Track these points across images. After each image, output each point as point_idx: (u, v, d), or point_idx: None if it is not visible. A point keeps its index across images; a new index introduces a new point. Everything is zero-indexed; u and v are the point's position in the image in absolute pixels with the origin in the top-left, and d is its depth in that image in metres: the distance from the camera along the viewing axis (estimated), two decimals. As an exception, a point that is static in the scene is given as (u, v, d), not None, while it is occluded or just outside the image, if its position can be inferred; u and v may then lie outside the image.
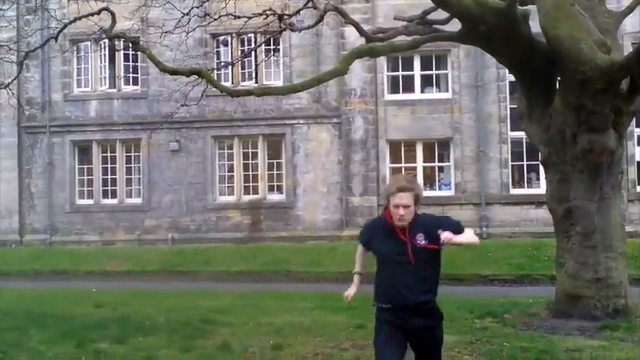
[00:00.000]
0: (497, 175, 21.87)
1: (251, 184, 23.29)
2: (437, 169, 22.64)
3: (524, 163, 21.96)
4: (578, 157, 9.75)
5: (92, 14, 11.90)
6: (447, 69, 22.40)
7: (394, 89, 22.65)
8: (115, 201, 23.94)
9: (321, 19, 11.92)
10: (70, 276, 18.82)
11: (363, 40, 12.37)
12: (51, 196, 23.97)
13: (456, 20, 10.68)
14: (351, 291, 5.13)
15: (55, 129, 23.98)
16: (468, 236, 4.67)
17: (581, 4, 10.02)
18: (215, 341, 9.01)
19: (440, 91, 22.60)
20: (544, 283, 15.19)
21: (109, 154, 24.14)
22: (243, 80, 22.73)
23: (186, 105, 12.92)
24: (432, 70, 22.52)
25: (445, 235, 4.49)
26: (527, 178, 22.20)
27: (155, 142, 23.01)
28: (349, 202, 22.36)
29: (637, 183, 21.43)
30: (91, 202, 24.02)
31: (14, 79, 13.51)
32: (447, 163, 22.35)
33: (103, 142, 24.10)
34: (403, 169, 22.50)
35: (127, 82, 23.93)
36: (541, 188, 18.98)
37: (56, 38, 12.37)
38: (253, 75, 22.54)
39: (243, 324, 10.29)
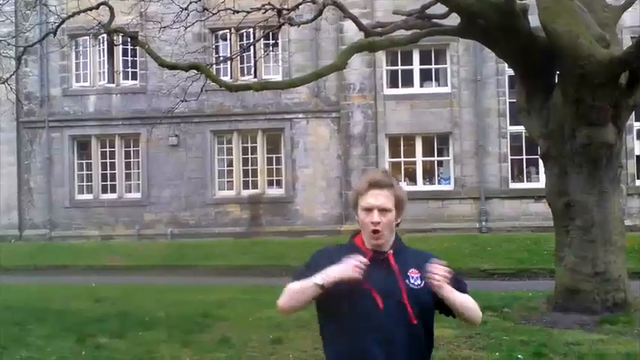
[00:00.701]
0: (496, 169, 21.87)
1: (250, 178, 23.29)
2: (436, 163, 22.64)
3: (524, 157, 21.96)
4: (578, 151, 9.75)
5: (91, 9, 11.88)
6: (446, 63, 22.37)
7: (393, 84, 22.63)
8: (114, 196, 23.93)
9: (319, 13, 11.90)
10: (70, 271, 18.81)
11: (362, 35, 12.35)
12: (50, 192, 23.95)
13: (455, 15, 10.67)
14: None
15: (53, 124, 23.94)
16: (468, 299, 3.06)
17: (581, -1, 10.02)
18: (214, 335, 9.03)
19: (439, 86, 22.57)
20: (543, 277, 15.20)
21: (108, 149, 24.12)
22: (242, 75, 22.70)
23: (186, 100, 12.91)
24: (431, 64, 22.50)
25: (438, 272, 2.88)
26: (527, 172, 22.21)
27: (154, 137, 22.98)
28: (348, 197, 22.34)
29: (636, 177, 21.43)
30: (90, 197, 24.01)
31: (13, 74, 13.51)
32: (447, 158, 22.35)
33: (102, 137, 24.08)
34: (402, 163, 22.50)
35: (125, 77, 23.89)
36: (540, 182, 18.98)
37: (55, 33, 12.36)
38: (252, 70, 22.49)
39: (243, 318, 10.31)
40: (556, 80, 10.30)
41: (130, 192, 24.03)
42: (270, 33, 16.74)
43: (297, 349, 8.08)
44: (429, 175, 22.49)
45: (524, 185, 21.91)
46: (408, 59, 22.35)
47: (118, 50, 23.10)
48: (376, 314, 2.88)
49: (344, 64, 11.27)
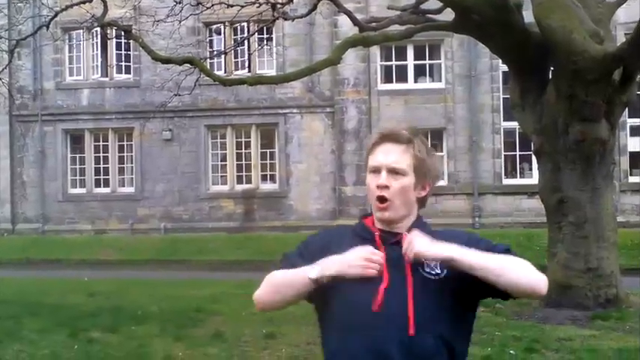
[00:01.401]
0: (489, 165, 21.90)
1: (244, 173, 23.26)
2: (430, 158, 22.64)
3: (517, 153, 22.00)
4: (571, 147, 9.77)
5: (84, 2, 11.85)
6: (440, 59, 22.38)
7: (387, 79, 22.62)
8: (107, 190, 23.87)
9: (314, 7, 11.90)
10: (63, 265, 18.78)
11: (356, 30, 12.34)
12: (43, 185, 23.87)
13: (450, 10, 10.67)
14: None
15: (46, 117, 23.85)
16: (498, 257, 2.14)
17: (575, -5, 10.02)
18: (207, 330, 9.03)
19: (433, 81, 22.58)
20: (536, 273, 15.23)
21: (101, 143, 24.04)
22: (236, 69, 22.66)
23: (179, 94, 12.89)
24: (425, 59, 22.49)
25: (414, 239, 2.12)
26: (520, 168, 22.25)
27: (148, 131, 22.93)
28: (342, 192, 22.36)
29: (629, 173, 21.49)
30: (83, 191, 23.95)
31: (5, 67, 13.48)
32: (440, 153, 22.36)
33: (95, 130, 24.00)
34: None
35: (119, 71, 23.81)
36: (534, 178, 19.01)
37: (48, 26, 12.33)
38: (246, 64, 22.48)
39: (236, 313, 10.30)
40: (550, 76, 10.32)
41: (124, 186, 23.97)
42: (265, 27, 16.70)
43: (291, 343, 8.09)
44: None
45: (518, 181, 21.95)
46: (402, 54, 22.34)
47: (112, 44, 22.99)
48: (369, 317, 2.11)
49: (338, 58, 11.27)
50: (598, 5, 10.75)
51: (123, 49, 23.52)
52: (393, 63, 22.49)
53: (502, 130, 21.94)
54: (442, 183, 22.08)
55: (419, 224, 2.26)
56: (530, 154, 15.79)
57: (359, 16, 13.17)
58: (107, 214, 23.52)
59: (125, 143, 23.93)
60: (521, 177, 22.17)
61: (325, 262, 2.16)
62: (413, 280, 2.14)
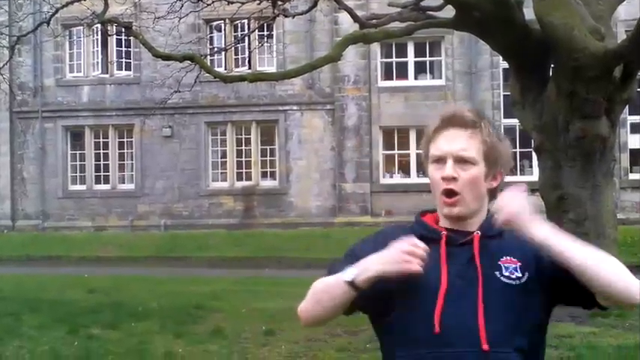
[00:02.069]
0: (490, 162, 21.86)
1: (244, 170, 23.26)
2: (430, 156, 22.63)
3: (517, 150, 21.94)
4: (571, 144, 9.76)
5: (84, -2, 11.83)
6: (440, 56, 22.37)
7: (388, 76, 22.60)
8: (107, 187, 23.87)
9: (314, 4, 11.89)
10: (63, 262, 18.79)
11: (356, 26, 12.32)
12: (43, 182, 23.87)
13: (450, 7, 10.65)
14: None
15: (47, 114, 23.85)
16: (599, 255, 1.83)
17: (576, -9, 10.01)
18: (208, 327, 9.03)
19: (433, 78, 22.58)
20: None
21: (101, 140, 24.05)
22: (237, 66, 22.65)
23: (180, 91, 12.88)
24: (425, 56, 22.48)
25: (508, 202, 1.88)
26: (520, 165, 22.23)
27: (148, 128, 22.93)
28: (342, 189, 22.36)
29: (629, 170, 21.50)
30: (83, 187, 23.95)
31: (6, 63, 13.47)
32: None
33: (95, 127, 24.00)
34: (396, 155, 22.51)
35: (119, 68, 23.80)
36: (534, 175, 19.00)
37: (48, 23, 12.31)
38: (247, 61, 22.46)
39: (236, 310, 10.31)
40: (550, 73, 10.30)
41: (124, 183, 23.98)
42: (265, 24, 16.66)
43: (290, 340, 8.09)
44: (423, 168, 22.44)
45: (518, 178, 21.86)
46: (402, 51, 22.33)
47: (112, 40, 22.98)
48: (432, 330, 1.82)
49: (339, 55, 11.25)
50: (599, 2, 10.73)
51: (123, 45, 23.50)
52: (394, 60, 22.48)
53: (502, 127, 21.89)
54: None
55: (492, 221, 1.91)
56: (531, 151, 15.79)
57: (359, 13, 13.15)
58: (107, 211, 23.52)
59: (125, 140, 23.94)
60: (521, 174, 22.13)
61: (362, 263, 1.87)
62: (486, 285, 1.84)
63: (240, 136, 23.37)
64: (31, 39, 20.22)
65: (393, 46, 22.21)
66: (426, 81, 22.49)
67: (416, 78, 22.54)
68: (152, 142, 23.35)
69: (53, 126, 23.96)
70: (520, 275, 1.86)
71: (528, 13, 9.91)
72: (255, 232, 21.30)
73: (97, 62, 23.95)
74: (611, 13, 11.16)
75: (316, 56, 18.46)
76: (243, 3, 11.99)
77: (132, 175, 23.82)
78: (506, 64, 15.08)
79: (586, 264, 1.78)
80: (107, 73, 23.90)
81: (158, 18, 12.58)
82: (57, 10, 12.13)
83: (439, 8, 12.06)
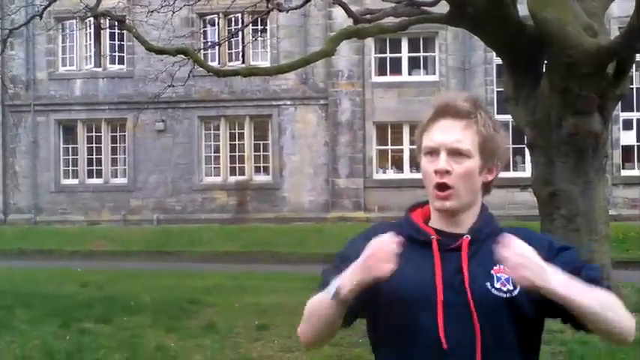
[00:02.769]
0: (483, 158, 21.90)
1: (237, 165, 23.25)
2: (423, 151, 22.65)
3: (510, 146, 21.96)
4: (564, 140, 9.78)
5: (77, -9, 11.77)
6: (434, 51, 22.38)
7: (381, 71, 22.61)
8: (100, 181, 23.82)
9: (308, -1, 11.85)
10: (55, 256, 18.74)
11: (350, 21, 12.30)
12: (35, 176, 23.81)
13: (444, 2, 10.65)
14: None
15: (39, 108, 23.77)
16: (602, 297, 1.74)
17: (569, -12, 10.02)
18: (200, 321, 9.04)
19: (427, 74, 22.59)
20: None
21: (94, 134, 23.99)
22: (230, 60, 22.62)
23: (173, 85, 12.84)
24: (419, 52, 22.49)
25: (512, 248, 1.69)
26: (513, 161, 22.28)
27: (141, 122, 22.84)
28: (335, 184, 22.36)
29: (621, 167, 21.58)
30: (76, 181, 23.89)
31: (-2, 56, 13.37)
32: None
33: (88, 121, 23.94)
34: (390, 151, 22.52)
35: (112, 61, 23.74)
36: (526, 171, 19.06)
37: (41, 16, 12.25)
38: (240, 55, 22.42)
39: (229, 304, 10.32)
40: (544, 69, 10.32)
41: (116, 177, 23.93)
42: (259, 19, 16.65)
43: (283, 335, 8.10)
44: (416, 164, 22.47)
45: (511, 174, 21.93)
46: (396, 47, 22.33)
47: (105, 34, 22.90)
48: (434, 353, 1.76)
49: (332, 50, 11.23)
50: (592, -1, 10.75)
51: (116, 39, 23.44)
52: (387, 55, 22.48)
53: (495, 123, 21.95)
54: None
55: (485, 218, 1.87)
56: (524, 147, 15.82)
57: (353, 8, 13.13)
58: (100, 205, 23.48)
59: (118, 134, 23.89)
60: (514, 170, 22.20)
61: (342, 275, 1.77)
62: (476, 298, 1.75)
63: (233, 131, 23.34)
64: (24, 32, 20.12)
65: (387, 42, 22.21)
66: (420, 76, 22.50)
67: (410, 73, 22.55)
68: (145, 136, 23.30)
69: (45, 119, 23.88)
70: (512, 288, 1.77)
71: (522, 9, 9.92)
72: (248, 227, 21.28)
73: (90, 56, 23.87)
74: (604, 10, 11.18)
75: (310, 51, 18.44)
76: (236, -3, 11.96)
77: (125, 169, 23.77)
78: (499, 60, 15.09)
79: (588, 315, 1.71)
80: (100, 66, 23.83)
81: (151, 11, 12.51)
82: (50, 3, 12.07)
83: (433, 4, 12.05)
